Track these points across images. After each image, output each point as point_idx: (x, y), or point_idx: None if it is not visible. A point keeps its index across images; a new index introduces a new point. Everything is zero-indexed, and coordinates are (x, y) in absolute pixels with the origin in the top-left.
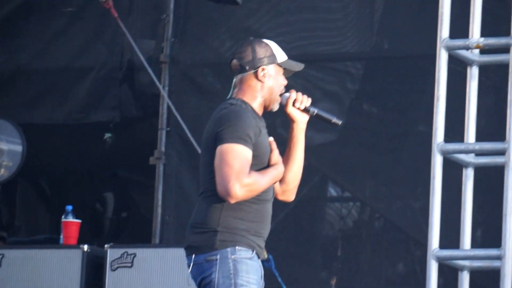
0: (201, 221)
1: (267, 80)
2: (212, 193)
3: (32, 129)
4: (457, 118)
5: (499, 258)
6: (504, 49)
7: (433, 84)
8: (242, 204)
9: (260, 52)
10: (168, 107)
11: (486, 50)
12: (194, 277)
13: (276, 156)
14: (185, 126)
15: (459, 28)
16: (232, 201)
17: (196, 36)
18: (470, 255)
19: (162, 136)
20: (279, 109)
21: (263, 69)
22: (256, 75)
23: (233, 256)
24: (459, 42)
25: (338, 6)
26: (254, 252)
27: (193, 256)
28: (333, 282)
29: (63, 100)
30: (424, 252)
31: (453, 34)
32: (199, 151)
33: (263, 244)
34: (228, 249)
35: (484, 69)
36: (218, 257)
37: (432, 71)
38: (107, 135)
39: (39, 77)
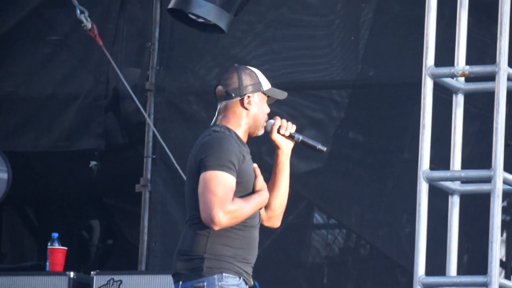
0: (187, 248)
1: (252, 107)
2: (198, 220)
3: (17, 157)
4: (443, 145)
5: (485, 285)
6: (489, 77)
7: (419, 111)
8: (229, 231)
9: (246, 79)
10: (154, 135)
11: (472, 78)
12: None
13: (260, 182)
14: (170, 153)
15: (445, 55)
16: (216, 228)
17: (182, 64)
18: (456, 282)
19: (148, 163)
20: (264, 136)
21: (248, 97)
22: (242, 103)
23: (220, 283)
24: (444, 70)
25: (323, 34)
26: (241, 279)
27: (180, 283)
28: None
29: (48, 128)
30: (410, 279)
31: (438, 62)
32: (185, 178)
33: (250, 271)
34: (215, 276)
35: (470, 97)
36: (205, 284)
37: (417, 98)
38: (93, 162)
39: (24, 104)
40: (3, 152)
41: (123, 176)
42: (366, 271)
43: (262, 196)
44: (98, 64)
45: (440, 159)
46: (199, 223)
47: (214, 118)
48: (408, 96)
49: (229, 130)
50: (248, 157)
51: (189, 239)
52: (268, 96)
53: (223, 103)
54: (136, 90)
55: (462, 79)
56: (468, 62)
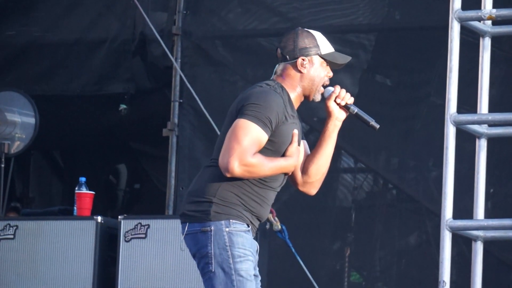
0: (199, 189)
1: (307, 70)
2: (217, 163)
3: (45, 101)
4: (470, 89)
5: None
6: None
7: (446, 55)
8: (245, 183)
9: (302, 42)
10: (181, 79)
11: (499, 21)
12: (189, 247)
13: (292, 149)
14: (197, 97)
15: None
16: (228, 175)
17: (208, 8)
18: (484, 225)
19: (175, 107)
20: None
21: (303, 59)
22: (296, 65)
23: (227, 229)
24: (471, 13)
25: None
26: (249, 227)
27: (187, 224)
28: (347, 252)
29: (77, 72)
30: (437, 223)
31: (465, 5)
32: (212, 122)
33: (257, 224)
34: (223, 221)
35: (496, 40)
36: (212, 228)
37: (444, 42)
38: (122, 106)
39: (52, 49)
40: (31, 96)
41: (150, 121)
42: (393, 215)
43: (287, 162)
44: (124, 8)
45: (468, 102)
46: (216, 167)
47: (272, 76)
48: (435, 39)
49: (282, 88)
50: (292, 121)
51: (202, 181)
52: (330, 61)
53: (281, 64)
54: (163, 34)
55: (489, 22)
56: (495, 5)
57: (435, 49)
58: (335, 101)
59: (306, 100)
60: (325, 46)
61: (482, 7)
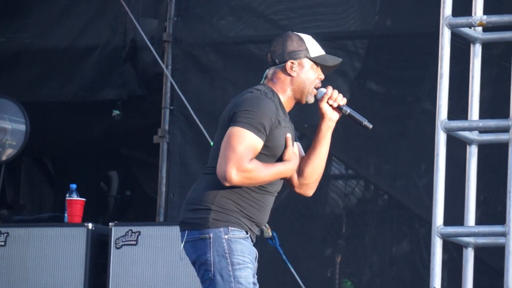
0: (196, 197)
1: (297, 73)
2: (214, 171)
3: (35, 108)
4: (461, 95)
5: (503, 234)
6: (507, 27)
7: (437, 61)
8: (243, 189)
9: (291, 46)
10: (172, 86)
11: (489, 27)
12: (189, 255)
13: (289, 153)
14: (188, 104)
15: (462, 5)
16: (227, 184)
17: (199, 15)
18: (475, 232)
19: (166, 114)
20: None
21: (292, 63)
22: (285, 69)
23: (226, 236)
24: (462, 19)
25: None
26: (248, 234)
27: (186, 232)
28: (338, 259)
29: (67, 79)
30: (428, 229)
31: (456, 12)
32: (203, 129)
33: (256, 230)
34: (221, 228)
35: (486, 45)
36: (211, 235)
37: (435, 49)
38: (115, 112)
39: (43, 56)
40: (22, 103)
41: (141, 127)
42: (384, 222)
43: (286, 166)
44: (115, 15)
45: (458, 109)
46: (213, 174)
47: (262, 80)
48: (426, 46)
49: (273, 92)
50: (285, 124)
51: (200, 189)
52: (320, 64)
53: (271, 69)
54: (153, 41)
55: (480, 28)
56: (486, 11)
57: (426, 56)
58: (327, 102)
59: (299, 103)
60: (315, 48)
61: (473, 14)
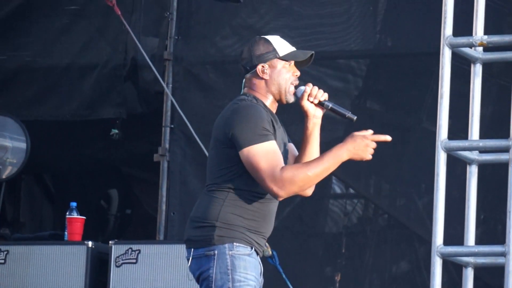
0: (200, 215)
1: (270, 75)
2: (215, 188)
3: (35, 126)
4: (461, 115)
5: (503, 254)
6: (508, 47)
7: (437, 81)
8: (244, 201)
9: (257, 50)
10: (172, 104)
11: (490, 47)
12: (193, 271)
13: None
14: (188, 123)
15: (463, 25)
16: (281, 198)
17: (200, 33)
18: (475, 252)
19: (166, 133)
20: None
21: (262, 66)
22: (256, 74)
23: (230, 252)
24: (462, 39)
25: (341, 4)
26: (253, 249)
27: (192, 250)
28: (338, 278)
29: (67, 97)
30: (428, 249)
31: (456, 32)
32: (203, 147)
33: (262, 242)
34: (226, 245)
35: (487, 65)
36: (215, 252)
37: (435, 68)
38: (114, 131)
39: (43, 74)
40: (22, 121)
41: (141, 146)
42: (384, 241)
43: (332, 160)
44: (116, 33)
45: (458, 128)
46: (214, 191)
47: (241, 91)
48: (426, 66)
49: (256, 99)
50: (278, 127)
51: (203, 206)
52: (292, 61)
53: (246, 77)
54: (154, 59)
55: (481, 48)
56: (486, 31)
57: (426, 75)
58: (308, 99)
59: (280, 103)
60: (283, 47)
61: (474, 34)
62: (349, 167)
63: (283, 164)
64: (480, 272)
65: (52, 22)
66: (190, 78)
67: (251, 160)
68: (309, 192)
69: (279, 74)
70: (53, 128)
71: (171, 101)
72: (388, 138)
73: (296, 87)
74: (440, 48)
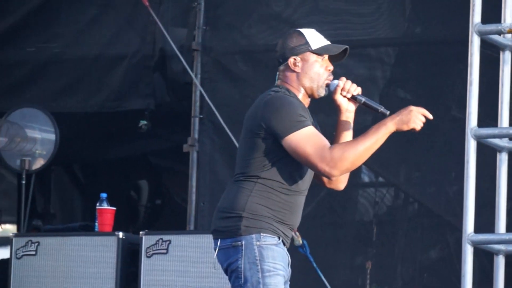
0: (227, 205)
1: (301, 68)
2: (243, 178)
3: (65, 118)
4: (491, 103)
5: None
6: None
7: (466, 69)
8: (271, 192)
9: (290, 42)
10: (201, 95)
11: None
12: (221, 262)
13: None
14: (217, 113)
15: (491, 12)
16: (334, 178)
17: (228, 23)
18: (505, 239)
19: (195, 123)
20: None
21: (294, 59)
22: (288, 66)
23: (258, 242)
24: (491, 27)
25: None
26: (280, 239)
27: (219, 240)
28: (368, 267)
29: (96, 89)
30: (459, 237)
31: (485, 19)
32: (232, 137)
33: (289, 233)
34: (253, 235)
35: None
36: (243, 243)
37: (464, 56)
38: (142, 122)
39: (72, 65)
40: (51, 113)
41: (171, 136)
42: (414, 229)
43: (379, 132)
44: (145, 24)
45: (488, 116)
46: (243, 181)
47: (275, 83)
48: (455, 53)
49: (289, 91)
50: (311, 119)
51: (230, 196)
52: (326, 55)
53: (279, 69)
54: (182, 50)
55: (509, 35)
56: None
57: (455, 63)
58: (341, 94)
59: (312, 97)
60: (316, 40)
61: (502, 21)
62: (378, 156)
63: (329, 144)
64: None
65: (81, 14)
66: (219, 68)
67: (296, 147)
68: (341, 186)
69: (311, 67)
70: (82, 120)
71: (200, 91)
72: (430, 116)
73: (328, 82)
74: (469, 36)
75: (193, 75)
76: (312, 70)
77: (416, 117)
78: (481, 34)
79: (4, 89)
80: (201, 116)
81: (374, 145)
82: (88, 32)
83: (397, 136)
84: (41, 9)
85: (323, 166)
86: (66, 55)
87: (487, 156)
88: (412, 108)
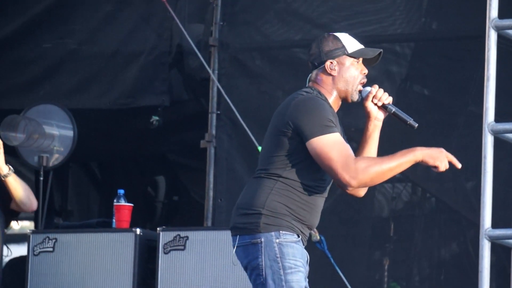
0: (247, 202)
1: (338, 72)
2: (264, 175)
3: (81, 114)
4: (508, 98)
5: None
6: None
7: (483, 64)
8: (292, 192)
9: (327, 46)
10: (218, 91)
11: None
12: (240, 259)
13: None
14: (235, 109)
15: (509, 7)
16: (351, 189)
17: (245, 19)
18: None
19: (213, 119)
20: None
21: (331, 62)
22: (325, 69)
23: (277, 240)
24: (508, 21)
25: None
26: (300, 237)
27: (238, 237)
28: (386, 262)
29: (113, 85)
30: (476, 232)
31: (502, 14)
32: (250, 133)
33: (307, 232)
34: (273, 232)
35: None
36: (262, 240)
37: (481, 51)
38: (154, 118)
39: (88, 62)
40: (69, 109)
41: (187, 133)
42: (432, 225)
43: (410, 154)
44: (161, 20)
45: (505, 111)
46: (264, 178)
47: (307, 84)
48: (472, 48)
49: (320, 93)
50: (338, 125)
51: (250, 193)
52: (361, 59)
53: (313, 72)
54: (199, 46)
55: None
56: None
57: (472, 58)
58: (372, 101)
59: (345, 101)
60: (352, 44)
61: None
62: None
63: (353, 155)
64: None
65: (97, 10)
66: (236, 64)
67: (320, 150)
68: (362, 192)
69: (347, 71)
70: (99, 116)
71: (217, 87)
72: (459, 165)
73: (362, 85)
74: (486, 31)
75: (210, 71)
76: (348, 73)
77: (444, 159)
78: (498, 29)
79: (21, 86)
80: (218, 112)
81: (397, 168)
82: (104, 29)
83: (414, 132)
84: (57, 5)
85: (344, 174)
86: (82, 52)
87: (504, 151)
88: (444, 150)
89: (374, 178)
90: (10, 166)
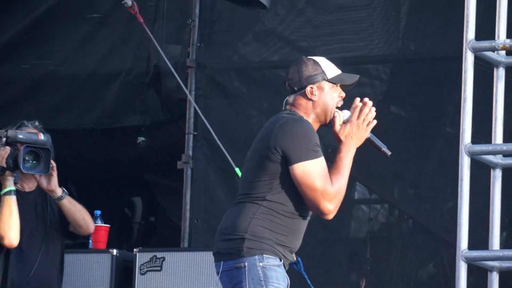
0: (230, 227)
1: (318, 97)
2: (248, 199)
3: (59, 135)
4: (484, 119)
5: None
6: None
7: (460, 85)
8: (275, 216)
9: (306, 71)
10: (195, 111)
11: None
12: (225, 285)
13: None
14: (212, 130)
15: (485, 29)
16: (330, 217)
17: (222, 40)
18: (500, 256)
19: (190, 140)
20: None
21: (311, 88)
22: (305, 94)
23: (261, 264)
24: (485, 43)
25: (363, 9)
26: (282, 261)
27: (222, 263)
28: (362, 284)
29: (91, 106)
30: (453, 254)
31: (479, 36)
32: (227, 154)
33: (290, 256)
34: (256, 256)
35: (510, 69)
36: (246, 264)
37: (459, 72)
38: (140, 138)
39: (66, 82)
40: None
41: (165, 154)
42: (409, 246)
43: (347, 156)
44: (139, 41)
45: (482, 132)
46: (246, 202)
47: (283, 107)
48: (449, 70)
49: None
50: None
51: (232, 218)
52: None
53: (291, 96)
54: (177, 67)
55: (503, 52)
56: (509, 35)
57: (450, 80)
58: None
59: (323, 124)
60: (331, 69)
61: (496, 37)
62: (372, 172)
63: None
64: (506, 276)
65: (75, 31)
66: (213, 85)
67: (305, 177)
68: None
69: (327, 95)
70: (76, 136)
71: (194, 108)
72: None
73: (339, 108)
74: (463, 52)
75: (187, 92)
76: (328, 98)
77: (362, 128)
78: (475, 50)
79: (1, 106)
80: (195, 133)
81: (348, 175)
82: (82, 49)
83: (391, 151)
84: (35, 26)
85: (325, 205)
86: (60, 72)
87: (481, 172)
88: (349, 123)
89: (342, 196)
90: (64, 189)
